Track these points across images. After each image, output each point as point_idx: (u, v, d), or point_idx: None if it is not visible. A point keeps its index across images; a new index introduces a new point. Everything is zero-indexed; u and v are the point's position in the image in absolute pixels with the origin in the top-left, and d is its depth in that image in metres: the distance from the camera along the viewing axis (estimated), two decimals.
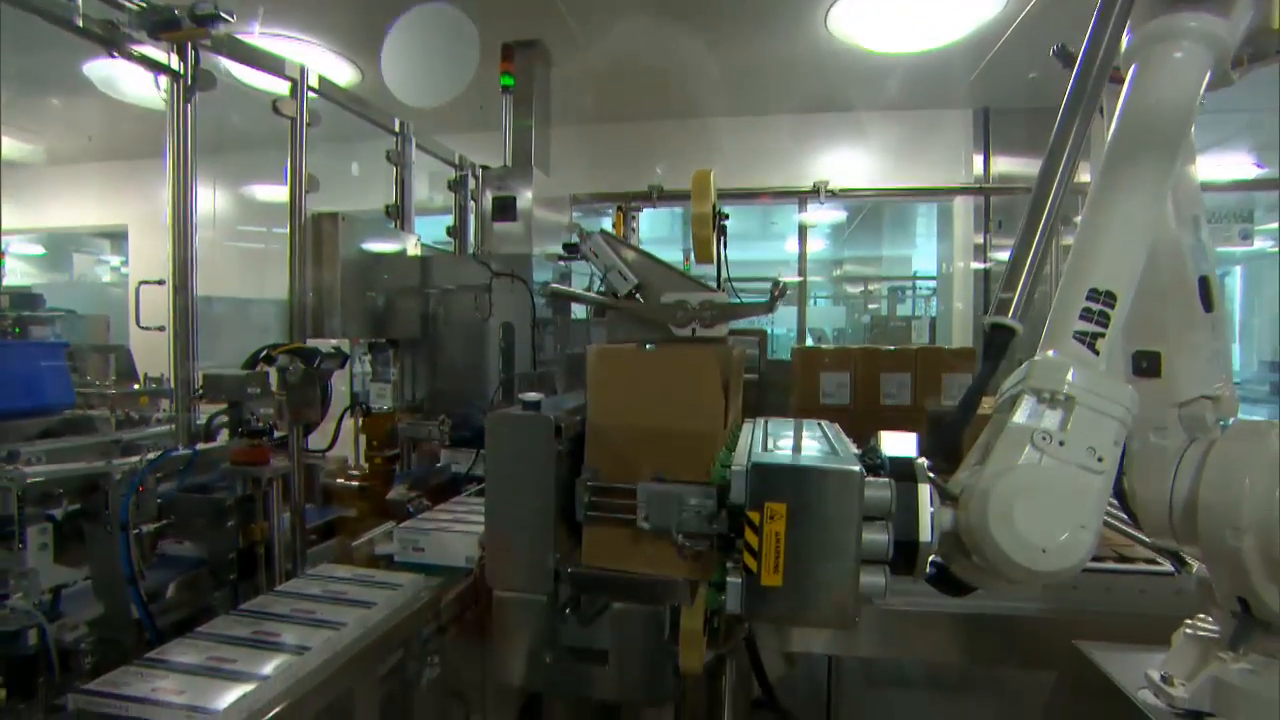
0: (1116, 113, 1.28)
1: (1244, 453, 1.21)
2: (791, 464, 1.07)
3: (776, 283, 1.39)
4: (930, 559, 1.11)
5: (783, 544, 1.01)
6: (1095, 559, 2.36)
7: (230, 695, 1.07)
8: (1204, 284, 1.31)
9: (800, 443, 1.30)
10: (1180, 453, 1.29)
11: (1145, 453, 1.33)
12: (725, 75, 4.42)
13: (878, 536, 1.03)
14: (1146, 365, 1.32)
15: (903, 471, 1.08)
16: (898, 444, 1.20)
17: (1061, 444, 1.06)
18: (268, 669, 1.16)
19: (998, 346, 1.16)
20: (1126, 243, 1.21)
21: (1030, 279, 1.17)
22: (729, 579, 1.05)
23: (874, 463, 1.09)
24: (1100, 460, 1.06)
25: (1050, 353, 1.16)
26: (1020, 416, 1.11)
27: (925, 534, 1.04)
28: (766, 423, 1.53)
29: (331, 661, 1.26)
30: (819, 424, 1.59)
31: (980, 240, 5.01)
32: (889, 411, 2.52)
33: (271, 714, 1.09)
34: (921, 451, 1.17)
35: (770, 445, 1.25)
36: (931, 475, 1.09)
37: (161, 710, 1.04)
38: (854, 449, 1.23)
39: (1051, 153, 1.25)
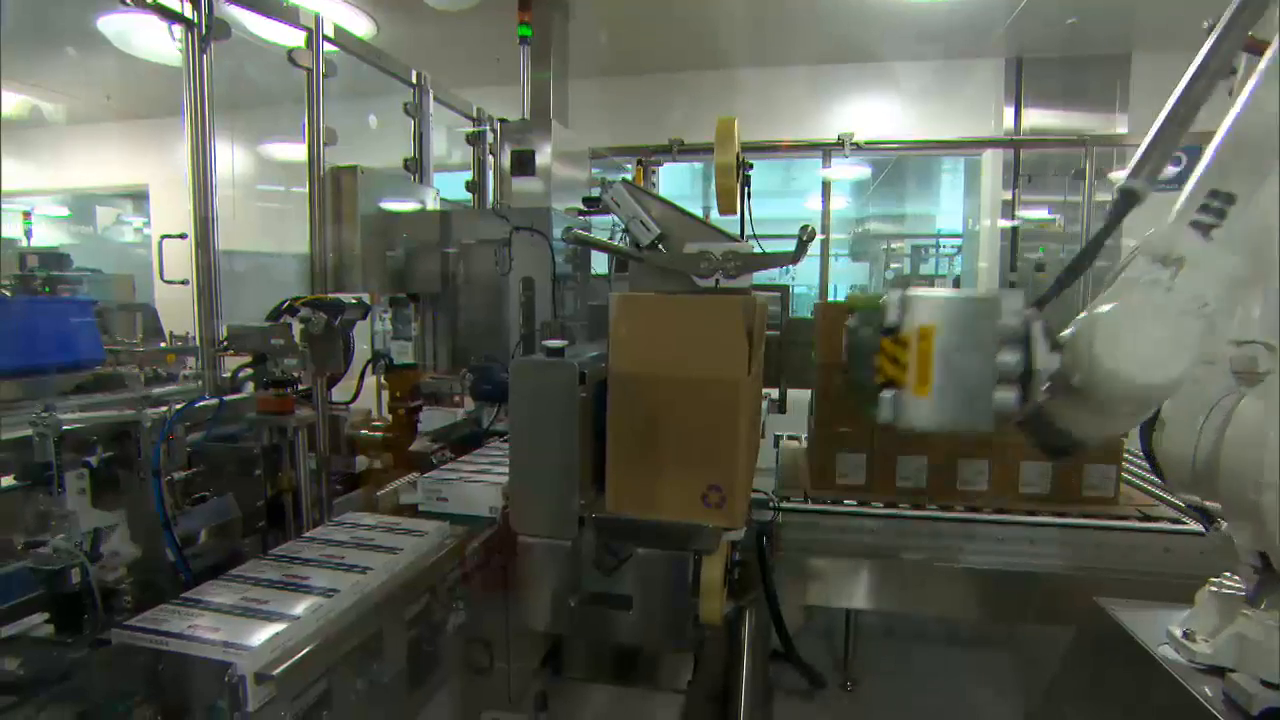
0: None
1: (1271, 408, 1.20)
2: (940, 295, 1.20)
3: (804, 228, 1.36)
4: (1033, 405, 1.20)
5: (930, 360, 1.13)
6: (1118, 517, 2.36)
7: (264, 633, 1.10)
8: None
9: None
10: (1213, 402, 1.28)
11: (1182, 390, 1.31)
12: (747, 24, 4.29)
13: (1010, 358, 1.13)
14: None
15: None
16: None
17: (1168, 290, 1.14)
18: (299, 609, 1.19)
19: (1121, 209, 1.22)
20: (1259, 148, 1.18)
21: (1169, 150, 1.23)
22: (882, 394, 1.15)
23: None
24: (1205, 307, 1.12)
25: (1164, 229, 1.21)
26: (1131, 272, 1.18)
27: (1040, 361, 1.14)
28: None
29: (360, 604, 1.29)
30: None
31: (1009, 196, 4.87)
32: None
33: (303, 652, 1.12)
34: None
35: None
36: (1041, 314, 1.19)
37: (199, 645, 1.07)
38: None
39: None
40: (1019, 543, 2.32)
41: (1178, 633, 1.39)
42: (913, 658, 3.23)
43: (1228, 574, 1.43)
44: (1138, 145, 1.31)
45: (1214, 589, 1.42)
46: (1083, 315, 1.20)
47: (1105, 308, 1.16)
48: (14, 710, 1.08)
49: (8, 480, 1.32)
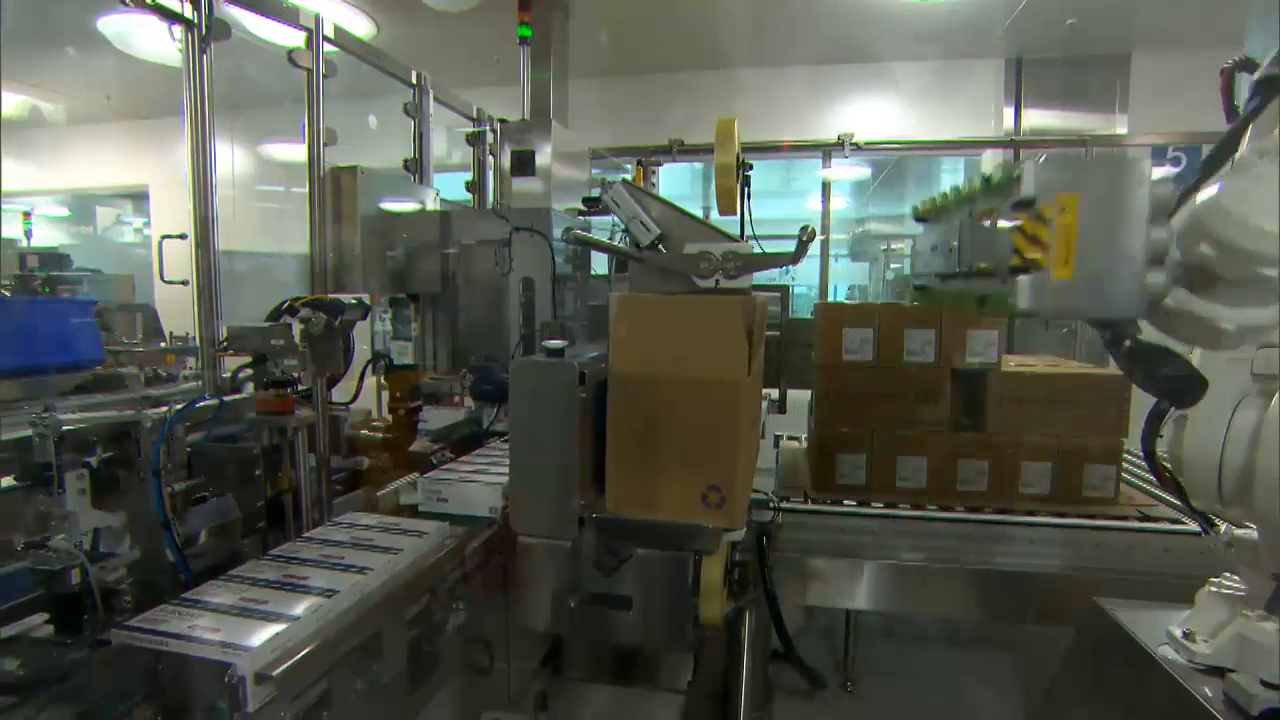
0: None
1: None
2: (1082, 159, 1.10)
3: (804, 228, 1.36)
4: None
5: (1073, 236, 0.98)
6: (1118, 517, 2.35)
7: (264, 633, 1.10)
8: None
9: None
10: (1236, 401, 1.24)
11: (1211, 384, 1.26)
12: (747, 24, 4.29)
13: (1161, 233, 0.99)
14: None
15: None
16: None
17: None
18: (298, 610, 1.19)
19: (1261, 100, 1.11)
20: None
21: None
22: (1019, 278, 1.01)
23: None
24: None
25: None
26: (1243, 154, 1.11)
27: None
28: None
29: (360, 604, 1.29)
30: None
31: None
32: (913, 368, 2.49)
33: (303, 653, 1.12)
34: None
35: None
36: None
37: (199, 645, 1.07)
38: None
39: None
40: (1019, 543, 2.32)
41: (1178, 633, 1.39)
42: (913, 658, 3.22)
43: (1228, 574, 1.43)
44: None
45: (1214, 589, 1.41)
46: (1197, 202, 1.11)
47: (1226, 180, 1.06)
48: (14, 710, 1.08)
49: (8, 480, 1.32)
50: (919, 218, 1.40)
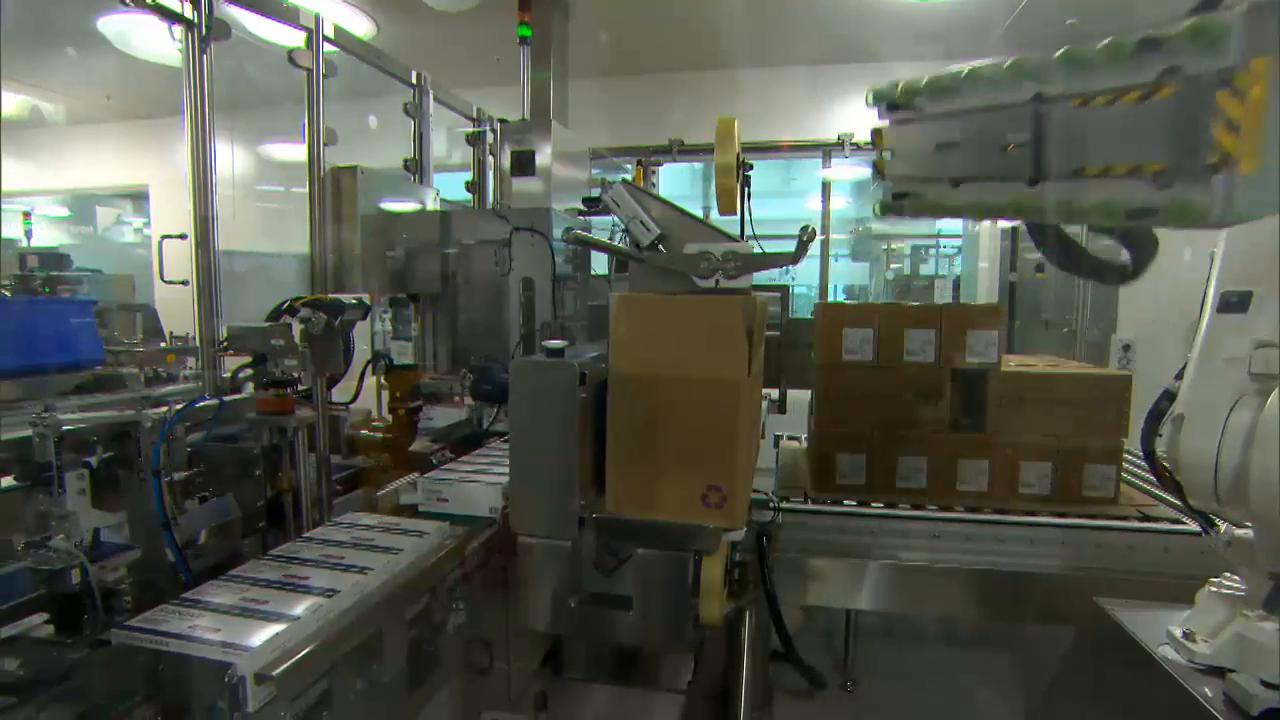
0: None
1: None
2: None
3: (804, 228, 1.36)
4: None
5: (1263, 114, 0.75)
6: (1118, 517, 2.36)
7: (264, 633, 1.10)
8: None
9: None
10: (1233, 401, 1.24)
11: (1206, 383, 1.28)
12: (747, 24, 4.29)
13: None
14: (1236, 300, 1.26)
15: None
16: None
17: None
18: (299, 610, 1.19)
19: None
20: None
21: None
22: (1213, 177, 0.79)
23: None
24: None
25: None
26: None
27: None
28: None
29: (360, 604, 1.29)
30: None
31: None
32: (913, 369, 2.48)
33: (303, 653, 1.12)
34: None
35: None
36: None
37: (199, 645, 1.07)
38: None
39: None
40: (1019, 543, 2.32)
41: (1178, 633, 1.39)
42: (913, 658, 3.22)
43: (1227, 574, 1.43)
44: None
45: (1214, 589, 1.42)
46: None
47: None
48: (14, 710, 1.08)
49: (8, 480, 1.32)
50: (893, 104, 1.17)
